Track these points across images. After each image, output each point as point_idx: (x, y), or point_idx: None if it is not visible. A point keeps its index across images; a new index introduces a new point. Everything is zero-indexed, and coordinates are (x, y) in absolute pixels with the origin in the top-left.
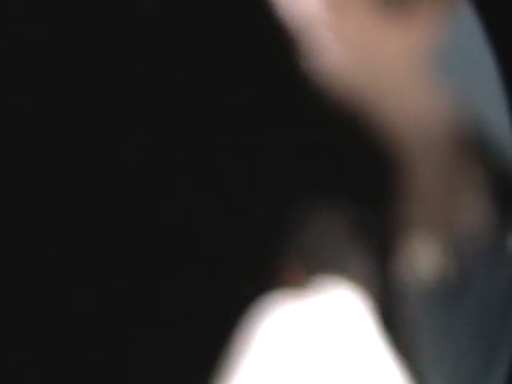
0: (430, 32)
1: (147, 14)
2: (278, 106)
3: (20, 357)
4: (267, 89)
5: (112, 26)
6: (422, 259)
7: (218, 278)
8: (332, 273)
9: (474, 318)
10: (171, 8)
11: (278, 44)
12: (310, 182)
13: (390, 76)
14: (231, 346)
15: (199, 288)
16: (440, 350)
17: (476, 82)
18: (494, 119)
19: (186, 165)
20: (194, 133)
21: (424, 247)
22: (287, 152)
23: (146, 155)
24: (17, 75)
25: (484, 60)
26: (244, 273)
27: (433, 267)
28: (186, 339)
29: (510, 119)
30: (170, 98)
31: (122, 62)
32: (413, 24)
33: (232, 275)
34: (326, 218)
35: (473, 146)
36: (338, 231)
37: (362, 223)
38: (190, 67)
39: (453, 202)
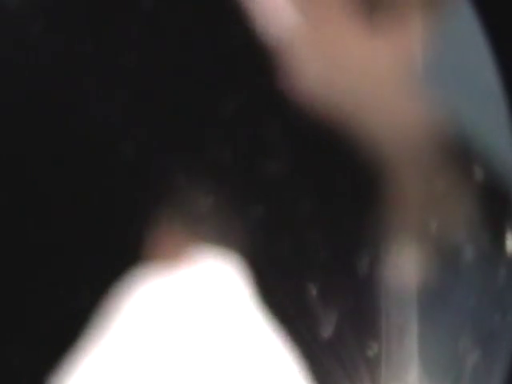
0: (413, 44)
1: (147, 14)
2: (260, 118)
3: None
4: (248, 102)
5: (112, 26)
6: (406, 264)
7: (89, 250)
8: (211, 243)
9: (471, 317)
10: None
11: (259, 59)
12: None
13: (372, 89)
14: (100, 318)
15: (66, 259)
16: (433, 350)
17: (467, 91)
18: (487, 127)
19: None
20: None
21: (407, 252)
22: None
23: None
24: (16, 74)
25: (481, 66)
26: (116, 245)
27: (416, 272)
28: (50, 312)
29: (510, 124)
30: (168, 98)
31: (122, 62)
32: (395, 37)
33: (105, 247)
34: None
35: (458, 155)
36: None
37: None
38: (184, 69)
39: (436, 209)
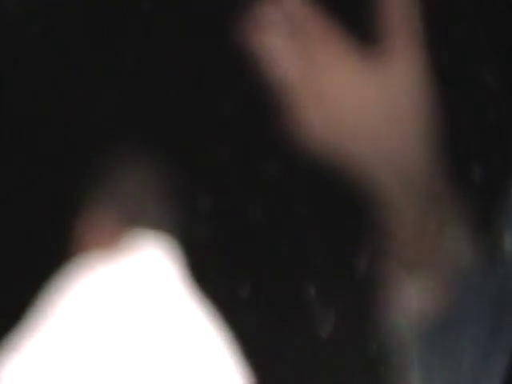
0: (406, 79)
1: (147, 14)
2: (260, 118)
3: None
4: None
5: (111, 26)
6: (409, 294)
7: (22, 242)
8: (146, 228)
9: (471, 317)
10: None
11: (261, 100)
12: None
13: (369, 125)
14: (36, 311)
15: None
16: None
17: None
18: None
19: None
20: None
21: (409, 282)
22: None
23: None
24: (16, 74)
25: None
26: (51, 237)
27: (420, 301)
28: None
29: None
30: (168, 98)
31: (122, 62)
32: (388, 75)
33: (38, 239)
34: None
35: (456, 157)
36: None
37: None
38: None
39: (434, 236)
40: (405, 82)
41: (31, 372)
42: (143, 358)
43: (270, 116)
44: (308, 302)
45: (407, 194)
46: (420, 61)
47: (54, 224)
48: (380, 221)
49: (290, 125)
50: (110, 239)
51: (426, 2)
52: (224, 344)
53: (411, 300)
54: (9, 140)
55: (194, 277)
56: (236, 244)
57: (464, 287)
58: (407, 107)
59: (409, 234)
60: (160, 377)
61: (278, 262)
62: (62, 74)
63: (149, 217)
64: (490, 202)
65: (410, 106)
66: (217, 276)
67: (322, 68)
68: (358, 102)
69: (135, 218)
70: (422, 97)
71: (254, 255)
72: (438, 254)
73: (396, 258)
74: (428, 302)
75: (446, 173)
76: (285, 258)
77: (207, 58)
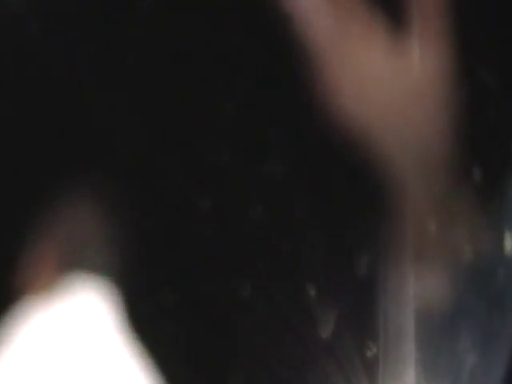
0: (432, 68)
1: (147, 14)
2: (260, 118)
3: None
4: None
5: (112, 26)
6: (409, 294)
7: None
8: (83, 272)
9: (470, 317)
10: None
11: (291, 63)
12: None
13: (392, 102)
14: None
15: None
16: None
17: None
18: None
19: None
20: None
21: (406, 253)
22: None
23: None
24: (16, 74)
25: None
26: None
27: (415, 273)
28: None
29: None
30: (169, 98)
31: (122, 62)
32: (416, 59)
33: None
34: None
35: (458, 156)
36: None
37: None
38: (190, 69)
39: (436, 209)
40: (432, 71)
41: None
42: None
43: (270, 115)
44: (308, 302)
45: (407, 190)
46: (447, 53)
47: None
48: (381, 219)
49: (320, 93)
50: (47, 282)
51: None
52: None
53: (411, 300)
54: None
55: (131, 323)
56: (236, 244)
57: (464, 287)
58: (432, 96)
59: (408, 233)
60: None
61: (277, 262)
62: (62, 73)
63: (89, 260)
64: (490, 202)
65: (434, 96)
66: (216, 276)
67: (352, 39)
68: (384, 83)
69: (75, 261)
70: (445, 88)
71: (254, 255)
72: (437, 253)
73: (396, 257)
74: (428, 302)
75: (446, 172)
76: (285, 258)
77: (207, 58)
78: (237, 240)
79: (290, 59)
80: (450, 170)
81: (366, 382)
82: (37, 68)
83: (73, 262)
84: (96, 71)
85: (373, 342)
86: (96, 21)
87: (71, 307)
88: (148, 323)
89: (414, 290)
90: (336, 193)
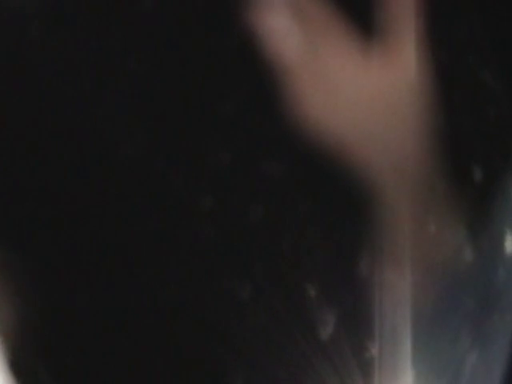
0: (406, 75)
1: (147, 14)
2: (260, 118)
3: None
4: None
5: (112, 26)
6: (403, 265)
7: None
8: None
9: (470, 317)
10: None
11: (262, 81)
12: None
13: (367, 116)
14: None
15: None
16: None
17: None
18: None
19: None
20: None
21: (405, 254)
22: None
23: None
24: (16, 74)
25: None
26: None
27: (413, 273)
28: None
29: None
30: (169, 98)
31: (122, 62)
32: (391, 63)
33: None
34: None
35: (456, 156)
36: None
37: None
38: (187, 71)
39: (436, 209)
40: (404, 78)
41: None
42: None
43: (270, 115)
44: (308, 302)
45: (406, 191)
46: (420, 59)
47: None
48: (380, 220)
49: (291, 108)
50: None
51: (428, 1)
52: None
53: (411, 300)
54: None
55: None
56: (235, 244)
57: (463, 287)
58: (406, 103)
59: (408, 233)
60: None
61: (277, 263)
62: (62, 74)
63: None
64: (490, 202)
65: (408, 102)
66: (215, 276)
67: (322, 53)
68: (357, 92)
69: None
70: (421, 94)
71: (253, 256)
72: (437, 253)
73: (395, 257)
74: (426, 303)
75: (446, 172)
76: (284, 259)
77: (207, 58)
78: (236, 240)
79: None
80: (450, 170)
81: (363, 382)
82: (37, 68)
83: None
84: (96, 70)
85: (370, 342)
86: (96, 21)
87: None
88: (148, 321)
89: (412, 291)
90: (335, 194)
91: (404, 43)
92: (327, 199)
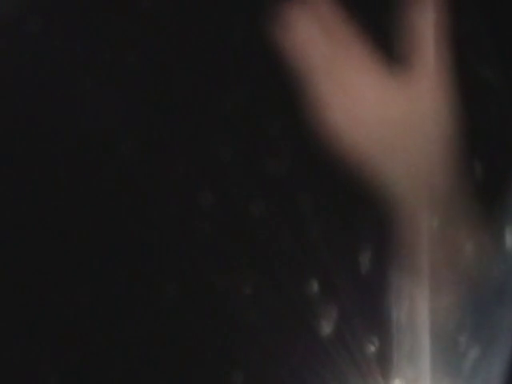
0: (429, 91)
1: (147, 14)
2: (261, 116)
3: None
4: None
5: (112, 26)
6: (409, 293)
7: None
8: None
9: (471, 315)
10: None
11: (284, 86)
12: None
13: (386, 131)
14: None
15: None
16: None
17: None
18: None
19: None
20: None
21: (411, 248)
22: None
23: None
24: (16, 74)
25: None
26: None
27: (415, 271)
28: None
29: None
30: (170, 96)
31: (122, 61)
32: (413, 83)
33: None
34: None
35: (458, 155)
36: None
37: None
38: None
39: (437, 207)
40: (425, 98)
41: None
42: None
43: (271, 114)
44: (310, 300)
45: (416, 193)
46: (443, 82)
47: None
48: (384, 219)
49: (314, 119)
50: None
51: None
52: None
53: (412, 299)
54: None
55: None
56: (238, 241)
57: (465, 285)
58: (426, 121)
59: (412, 232)
60: None
61: (280, 259)
62: (61, 73)
63: None
64: (492, 200)
65: (429, 122)
66: (218, 273)
67: (344, 68)
68: (378, 107)
69: None
70: (441, 115)
71: (256, 253)
72: (439, 250)
73: (398, 256)
74: (427, 301)
75: (449, 171)
76: (288, 255)
77: (208, 57)
78: (238, 237)
79: (287, 78)
80: (452, 169)
81: (365, 381)
82: (37, 68)
83: None
84: (95, 69)
85: (376, 337)
86: (96, 21)
87: None
88: (149, 320)
89: (414, 289)
90: (338, 191)
91: (423, 63)
92: (331, 198)
